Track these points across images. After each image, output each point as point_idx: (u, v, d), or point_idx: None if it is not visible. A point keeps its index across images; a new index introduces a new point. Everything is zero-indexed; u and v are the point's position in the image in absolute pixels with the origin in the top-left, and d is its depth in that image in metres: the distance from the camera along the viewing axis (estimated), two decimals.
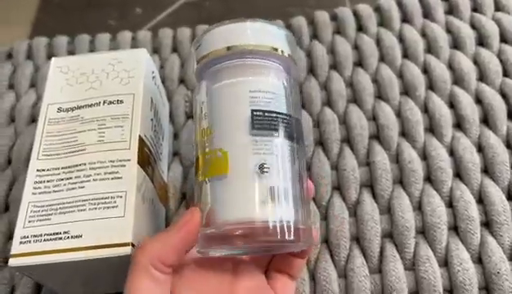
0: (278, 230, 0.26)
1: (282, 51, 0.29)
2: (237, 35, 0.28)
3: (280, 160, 0.27)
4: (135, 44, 0.50)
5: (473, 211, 0.35)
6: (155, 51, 0.49)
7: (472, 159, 0.38)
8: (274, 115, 0.27)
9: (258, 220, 0.25)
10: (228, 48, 0.28)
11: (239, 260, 0.30)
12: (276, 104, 0.28)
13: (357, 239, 0.36)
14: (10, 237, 0.39)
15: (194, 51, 0.30)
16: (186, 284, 0.27)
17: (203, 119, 0.29)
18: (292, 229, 0.26)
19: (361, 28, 0.48)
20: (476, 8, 0.48)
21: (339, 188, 0.38)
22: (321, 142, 0.41)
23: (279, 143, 0.27)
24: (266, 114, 0.27)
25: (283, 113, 0.28)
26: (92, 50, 0.50)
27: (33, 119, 0.45)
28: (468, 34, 0.45)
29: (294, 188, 0.27)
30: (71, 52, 0.50)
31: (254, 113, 0.27)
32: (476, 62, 0.44)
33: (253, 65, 0.28)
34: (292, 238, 0.26)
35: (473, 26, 0.46)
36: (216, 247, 0.27)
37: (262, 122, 0.27)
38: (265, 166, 0.26)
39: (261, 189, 0.26)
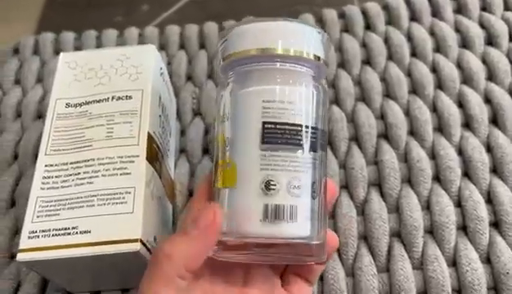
0: (287, 248, 0.26)
1: (316, 56, 0.27)
2: (268, 36, 0.26)
3: (292, 175, 0.25)
4: (142, 40, 0.49)
5: (482, 211, 0.35)
6: (162, 47, 0.49)
7: (481, 159, 0.37)
8: (289, 127, 0.26)
9: (263, 237, 0.25)
10: (257, 50, 0.26)
11: (250, 264, 0.29)
12: (296, 114, 0.26)
13: (365, 238, 0.36)
14: (16, 232, 0.38)
15: (219, 45, 0.28)
16: (195, 287, 0.27)
17: (224, 122, 0.27)
18: (301, 247, 0.26)
19: (369, 26, 0.47)
20: (485, 7, 0.47)
21: (346, 186, 0.38)
22: (328, 141, 0.40)
23: (293, 157, 0.26)
24: (278, 127, 0.25)
25: (300, 124, 0.26)
26: (99, 46, 0.50)
27: (40, 115, 0.45)
28: (477, 33, 0.45)
29: (311, 203, 0.26)
30: (78, 48, 0.50)
31: (265, 125, 0.25)
32: (485, 61, 0.44)
33: (282, 71, 0.26)
34: (299, 256, 0.26)
35: (482, 25, 0.46)
36: (225, 253, 0.26)
37: (273, 136, 0.25)
38: (271, 183, 0.25)
39: (267, 207, 0.25)
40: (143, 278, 0.25)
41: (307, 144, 0.26)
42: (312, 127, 0.26)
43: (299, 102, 0.26)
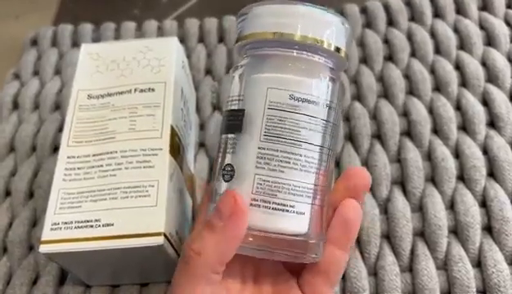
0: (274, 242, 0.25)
1: (336, 48, 0.25)
2: (287, 20, 0.25)
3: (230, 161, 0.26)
4: (161, 33, 0.49)
5: (508, 212, 0.34)
6: (181, 40, 0.48)
7: (507, 159, 0.37)
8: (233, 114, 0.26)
9: (258, 229, 0.24)
10: (274, 34, 0.25)
11: (261, 263, 0.28)
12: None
13: (388, 237, 0.35)
14: (34, 223, 0.38)
15: (237, 23, 0.27)
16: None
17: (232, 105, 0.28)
18: (288, 243, 0.25)
19: (391, 22, 0.47)
20: (510, 5, 0.46)
21: None
22: (350, 137, 0.40)
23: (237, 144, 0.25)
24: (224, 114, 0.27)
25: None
26: (117, 38, 0.49)
27: (58, 106, 0.45)
28: (502, 31, 0.44)
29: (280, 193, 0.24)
30: (96, 40, 0.50)
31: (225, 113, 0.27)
32: (510, 60, 0.43)
33: (298, 59, 0.25)
34: (289, 253, 0.25)
35: (507, 23, 0.45)
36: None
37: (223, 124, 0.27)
38: (224, 169, 0.26)
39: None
40: (174, 278, 0.24)
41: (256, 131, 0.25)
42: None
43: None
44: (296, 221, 0.25)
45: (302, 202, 0.25)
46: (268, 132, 0.24)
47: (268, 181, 0.24)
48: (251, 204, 0.24)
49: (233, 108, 0.26)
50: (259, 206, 0.24)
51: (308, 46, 0.25)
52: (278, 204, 0.24)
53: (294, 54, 0.25)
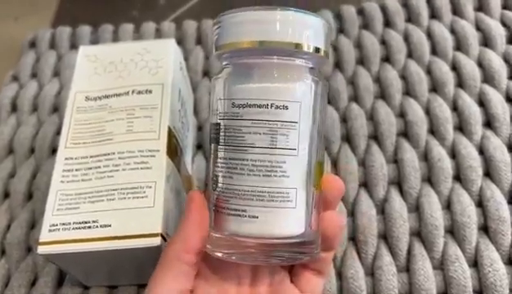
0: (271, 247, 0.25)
1: (316, 48, 0.24)
2: (264, 27, 0.24)
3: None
4: (159, 35, 0.49)
5: (505, 212, 0.35)
6: (179, 42, 0.48)
7: (503, 159, 0.37)
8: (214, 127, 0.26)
9: (252, 236, 0.25)
10: (252, 42, 0.24)
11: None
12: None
13: (385, 237, 0.35)
14: (33, 225, 0.38)
15: (213, 30, 0.26)
16: (206, 283, 0.27)
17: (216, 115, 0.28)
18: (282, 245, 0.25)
19: (388, 23, 0.47)
20: (506, 6, 0.47)
21: (366, 184, 0.38)
22: (347, 138, 0.40)
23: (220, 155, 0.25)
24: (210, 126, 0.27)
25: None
26: (115, 40, 0.50)
27: (56, 108, 0.45)
28: (498, 32, 0.44)
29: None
30: (94, 42, 0.50)
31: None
32: (506, 60, 0.43)
33: (279, 65, 0.24)
34: (284, 254, 0.25)
35: (503, 23, 0.45)
36: (218, 250, 0.26)
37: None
38: (213, 179, 0.26)
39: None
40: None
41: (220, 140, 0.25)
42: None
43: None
44: (254, 225, 0.24)
45: (253, 206, 0.24)
46: (222, 142, 0.25)
47: (223, 188, 0.25)
48: (217, 210, 0.25)
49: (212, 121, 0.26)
50: (218, 211, 0.25)
51: (288, 51, 0.24)
52: (231, 210, 0.25)
53: (275, 60, 0.24)
